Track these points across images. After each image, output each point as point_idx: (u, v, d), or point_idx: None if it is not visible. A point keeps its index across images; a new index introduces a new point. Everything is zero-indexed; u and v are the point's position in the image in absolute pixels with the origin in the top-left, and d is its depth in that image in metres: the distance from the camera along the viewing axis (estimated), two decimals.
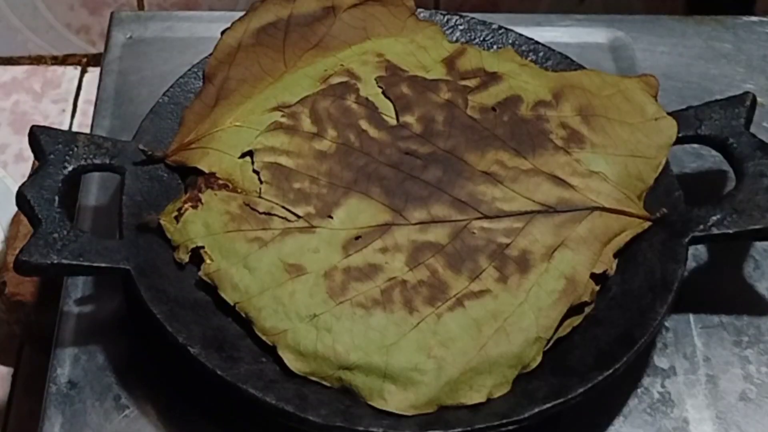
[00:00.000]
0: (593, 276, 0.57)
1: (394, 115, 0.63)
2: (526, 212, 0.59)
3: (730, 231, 0.58)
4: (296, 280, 0.56)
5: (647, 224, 0.59)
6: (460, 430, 0.51)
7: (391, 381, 0.53)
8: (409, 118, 0.62)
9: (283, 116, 0.62)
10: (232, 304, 0.56)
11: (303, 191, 0.59)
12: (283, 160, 0.60)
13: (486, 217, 0.59)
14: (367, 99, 0.63)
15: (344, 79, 0.65)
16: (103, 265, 0.55)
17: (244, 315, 0.55)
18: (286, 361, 0.54)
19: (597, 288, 0.58)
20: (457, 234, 0.58)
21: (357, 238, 0.58)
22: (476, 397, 0.53)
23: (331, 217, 0.58)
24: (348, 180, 0.60)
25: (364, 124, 0.62)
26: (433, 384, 0.53)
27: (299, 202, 0.59)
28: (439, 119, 0.62)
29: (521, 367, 0.54)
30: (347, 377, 0.53)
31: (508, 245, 0.57)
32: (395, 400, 0.53)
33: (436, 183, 0.60)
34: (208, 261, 0.57)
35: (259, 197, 0.59)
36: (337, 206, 0.59)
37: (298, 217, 0.58)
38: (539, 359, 0.55)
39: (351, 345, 0.54)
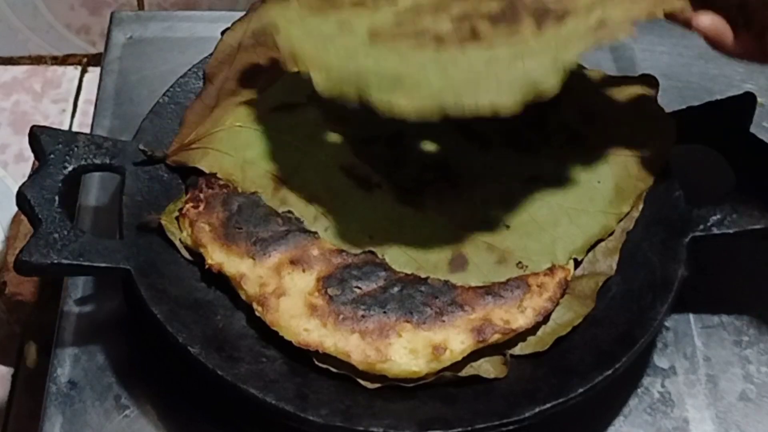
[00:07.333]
0: None
1: None
2: None
3: (730, 231, 0.58)
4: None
5: None
6: (460, 429, 0.51)
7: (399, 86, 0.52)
8: None
9: None
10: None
11: None
12: None
13: None
14: None
15: None
16: (103, 265, 0.55)
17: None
18: (315, 83, 0.53)
19: None
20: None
21: None
22: (483, 110, 0.52)
23: None
24: None
25: None
26: (436, 86, 0.52)
27: None
28: None
29: (535, 93, 0.52)
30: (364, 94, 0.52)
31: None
32: (401, 104, 0.52)
33: None
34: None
35: None
36: None
37: None
38: (558, 87, 0.53)
39: None
